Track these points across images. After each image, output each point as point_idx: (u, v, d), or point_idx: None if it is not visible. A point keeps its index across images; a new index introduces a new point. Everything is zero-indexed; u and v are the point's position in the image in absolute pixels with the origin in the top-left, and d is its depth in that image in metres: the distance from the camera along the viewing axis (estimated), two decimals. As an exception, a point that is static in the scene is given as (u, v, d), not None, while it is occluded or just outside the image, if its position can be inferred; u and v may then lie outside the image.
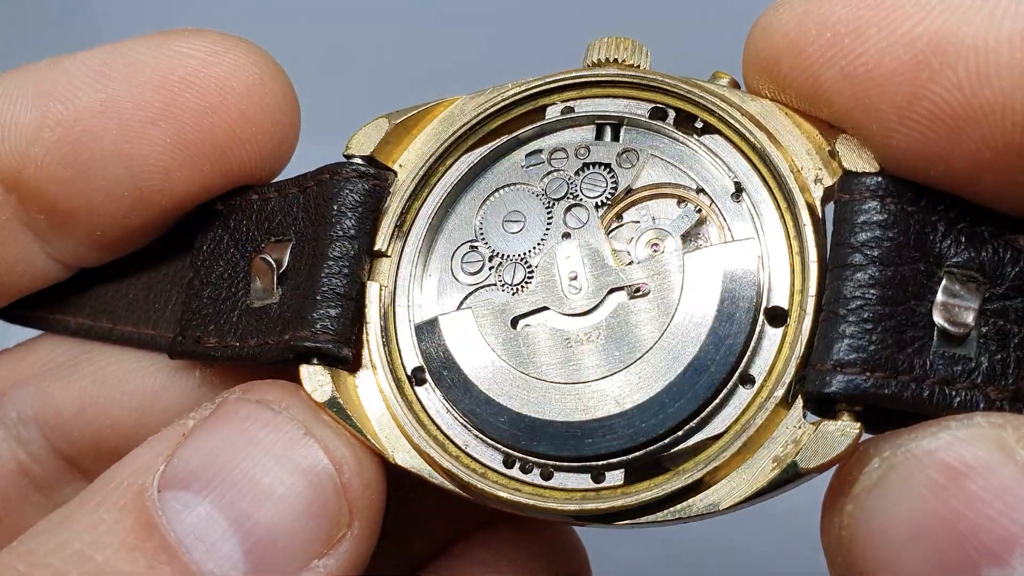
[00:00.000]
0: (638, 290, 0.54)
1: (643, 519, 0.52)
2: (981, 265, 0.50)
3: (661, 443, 0.53)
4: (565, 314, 0.55)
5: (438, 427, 0.56)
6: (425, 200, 0.58)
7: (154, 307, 0.64)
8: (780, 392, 0.51)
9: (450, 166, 0.58)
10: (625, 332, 0.54)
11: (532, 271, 0.56)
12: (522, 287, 0.56)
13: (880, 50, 0.48)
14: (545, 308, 0.56)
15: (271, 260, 0.58)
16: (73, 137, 0.57)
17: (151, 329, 0.63)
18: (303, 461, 0.51)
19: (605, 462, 0.53)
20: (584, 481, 0.54)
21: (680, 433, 0.52)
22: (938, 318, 0.49)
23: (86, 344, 0.68)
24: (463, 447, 0.55)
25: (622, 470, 0.54)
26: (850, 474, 0.48)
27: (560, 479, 0.54)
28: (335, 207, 0.56)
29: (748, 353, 0.52)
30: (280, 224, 0.59)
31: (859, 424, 0.49)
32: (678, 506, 0.52)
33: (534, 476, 0.54)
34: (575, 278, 0.55)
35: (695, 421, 0.52)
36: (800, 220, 0.53)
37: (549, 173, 0.57)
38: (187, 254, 0.63)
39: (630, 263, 0.55)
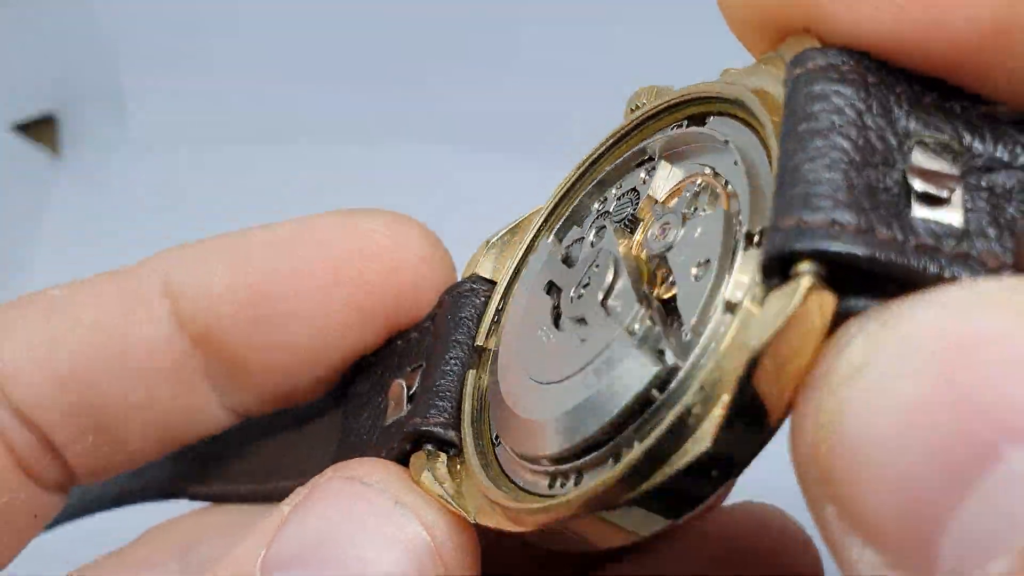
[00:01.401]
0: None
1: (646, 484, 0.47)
2: (956, 135, 0.44)
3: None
4: (559, 309, 0.55)
5: (507, 477, 0.55)
6: (516, 289, 0.60)
7: (317, 460, 0.66)
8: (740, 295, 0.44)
9: (531, 248, 0.61)
10: (552, 353, 0.54)
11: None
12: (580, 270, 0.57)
13: None
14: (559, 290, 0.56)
15: (403, 383, 0.61)
16: (261, 297, 0.62)
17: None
18: (398, 531, 0.53)
19: (611, 444, 0.49)
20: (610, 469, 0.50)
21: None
22: (915, 182, 0.42)
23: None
24: (522, 486, 0.54)
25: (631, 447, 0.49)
26: (825, 362, 0.39)
27: (591, 476, 0.51)
28: (451, 320, 0.60)
29: (724, 279, 0.46)
30: (414, 355, 0.62)
31: (827, 290, 0.40)
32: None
33: (571, 486, 0.52)
34: (587, 285, 0.54)
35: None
36: (762, 124, 0.47)
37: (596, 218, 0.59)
38: (340, 411, 0.67)
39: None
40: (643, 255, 0.52)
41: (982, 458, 0.35)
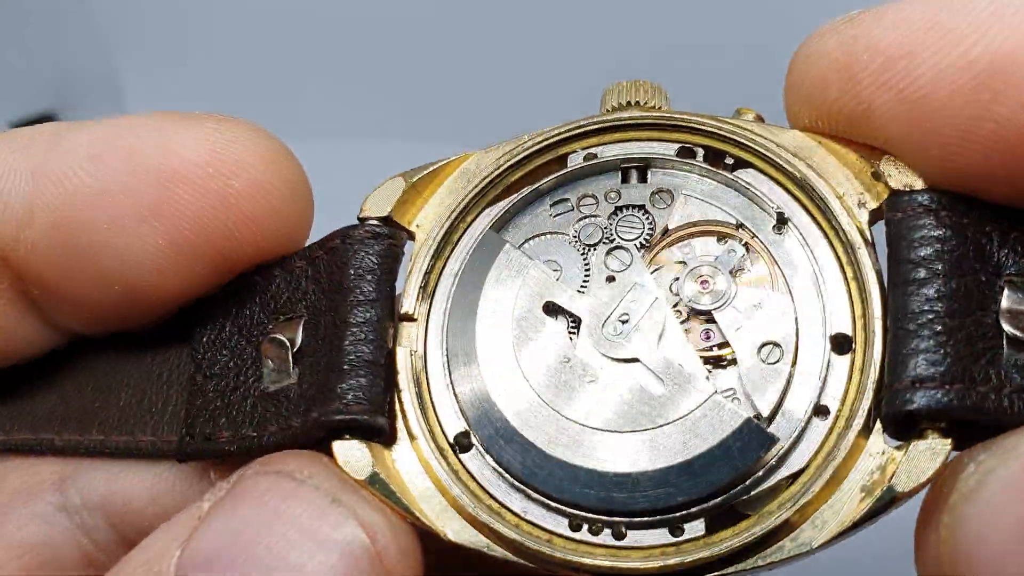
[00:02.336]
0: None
1: (732, 568, 0.50)
2: None
3: (741, 486, 0.51)
4: (586, 338, 0.54)
5: (491, 495, 0.53)
6: (448, 259, 0.56)
7: (150, 411, 0.60)
8: (860, 420, 0.50)
9: (471, 222, 0.57)
10: (609, 398, 0.53)
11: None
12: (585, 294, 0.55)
13: (937, 72, 0.47)
14: (580, 335, 0.54)
15: (283, 339, 0.55)
16: (65, 224, 0.55)
17: (150, 435, 0.59)
18: (334, 532, 0.47)
19: (682, 513, 0.51)
20: (662, 536, 0.51)
21: (760, 473, 0.51)
22: (1007, 326, 0.49)
23: None
24: (522, 514, 0.53)
25: (702, 519, 0.51)
26: (944, 488, 0.46)
27: (635, 537, 0.52)
28: (351, 272, 0.54)
29: (820, 385, 0.52)
30: (288, 301, 0.56)
31: (948, 440, 0.48)
32: (768, 550, 0.50)
33: (605, 537, 0.52)
34: (625, 321, 0.54)
35: (774, 459, 0.51)
36: (851, 243, 0.52)
37: (581, 220, 0.57)
38: (184, 348, 0.60)
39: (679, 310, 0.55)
40: (675, 298, 0.55)
41: None
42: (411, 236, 0.57)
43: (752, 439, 0.50)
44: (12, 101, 1.26)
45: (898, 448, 0.49)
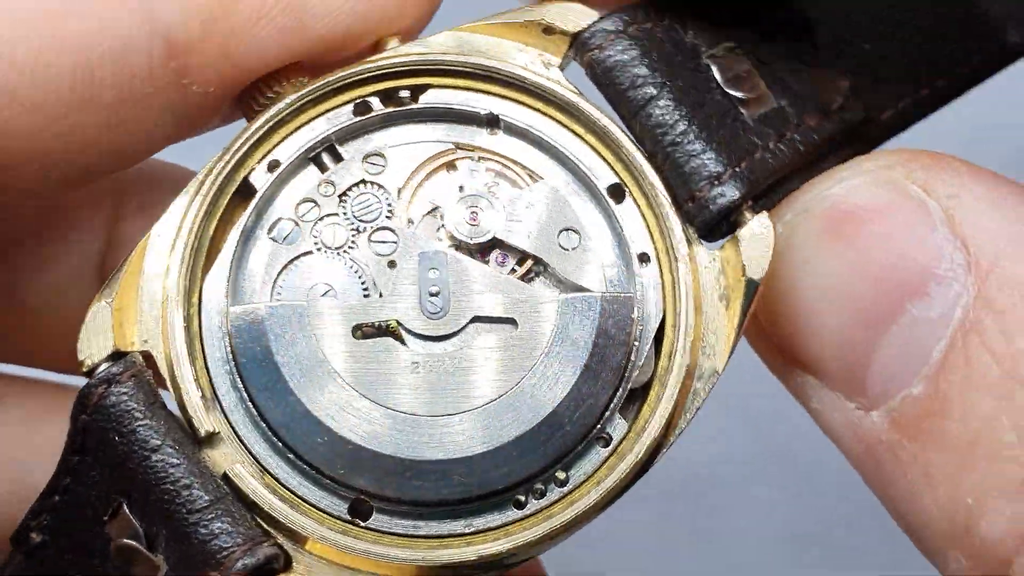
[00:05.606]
0: (503, 320, 0.49)
1: (674, 436, 0.48)
2: (729, 36, 0.52)
3: (631, 361, 0.49)
4: (417, 334, 0.49)
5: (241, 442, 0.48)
6: (203, 350, 0.48)
7: None
8: (681, 245, 0.48)
9: (199, 305, 0.49)
10: (482, 366, 0.48)
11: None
12: (372, 294, 0.49)
13: None
14: (396, 323, 0.49)
15: (132, 537, 0.47)
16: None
17: None
18: None
19: (602, 420, 0.48)
20: (600, 452, 0.48)
21: (637, 339, 0.49)
22: (732, 91, 0.50)
23: None
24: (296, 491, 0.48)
25: (618, 417, 0.48)
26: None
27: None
28: (117, 437, 0.46)
29: (621, 237, 0.50)
30: (89, 501, 0.47)
31: (763, 212, 0.48)
32: (687, 403, 0.48)
33: (552, 491, 0.48)
34: (436, 295, 0.49)
35: (639, 319, 0.49)
36: (566, 101, 0.50)
37: (313, 229, 0.50)
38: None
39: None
40: (455, 243, 0.50)
41: (891, 311, 0.46)
42: (146, 356, 0.48)
43: (617, 309, 0.48)
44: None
45: (722, 249, 0.49)
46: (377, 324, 0.49)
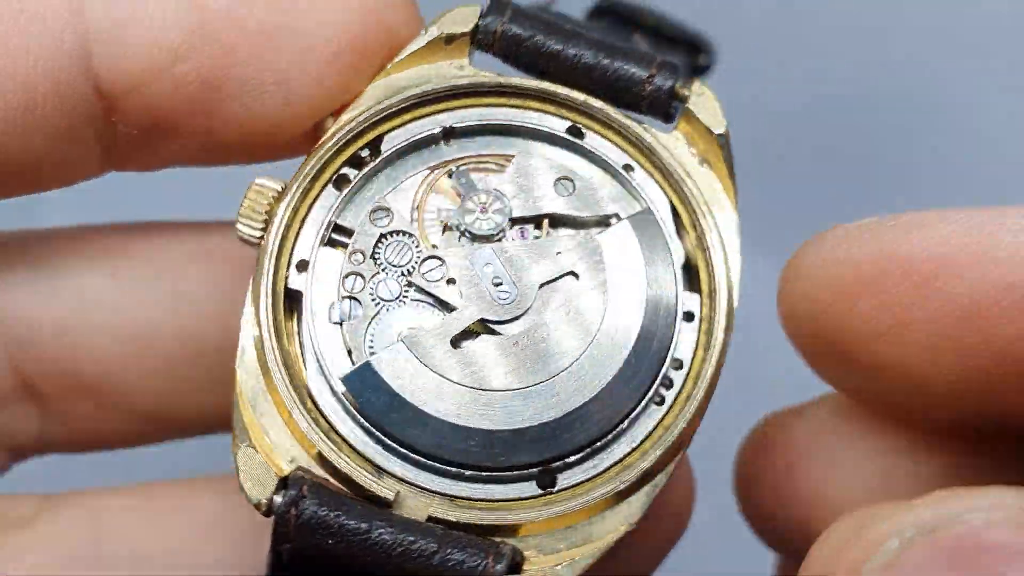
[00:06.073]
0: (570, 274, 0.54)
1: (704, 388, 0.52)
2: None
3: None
4: (502, 321, 0.53)
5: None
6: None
7: None
8: (648, 137, 0.55)
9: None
10: (566, 321, 0.53)
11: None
12: (445, 305, 0.54)
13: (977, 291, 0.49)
14: (483, 320, 0.53)
15: None
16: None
17: None
18: None
19: (658, 381, 0.53)
20: (656, 412, 0.53)
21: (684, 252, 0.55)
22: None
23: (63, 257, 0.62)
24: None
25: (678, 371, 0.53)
26: (852, 549, 0.45)
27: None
28: (330, 540, 0.49)
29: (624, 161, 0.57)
30: None
31: (692, 79, 0.55)
32: (721, 306, 0.53)
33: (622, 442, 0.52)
34: (500, 284, 0.53)
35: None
36: (491, 85, 0.56)
37: (366, 289, 0.54)
38: None
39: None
40: (493, 236, 0.55)
41: None
42: (303, 470, 0.51)
43: (640, 221, 0.54)
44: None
45: (677, 127, 0.55)
46: (467, 329, 0.53)
